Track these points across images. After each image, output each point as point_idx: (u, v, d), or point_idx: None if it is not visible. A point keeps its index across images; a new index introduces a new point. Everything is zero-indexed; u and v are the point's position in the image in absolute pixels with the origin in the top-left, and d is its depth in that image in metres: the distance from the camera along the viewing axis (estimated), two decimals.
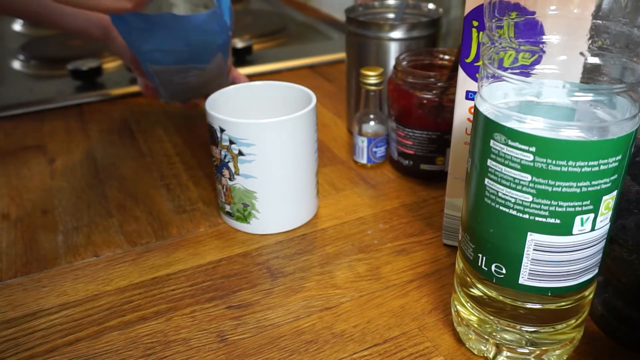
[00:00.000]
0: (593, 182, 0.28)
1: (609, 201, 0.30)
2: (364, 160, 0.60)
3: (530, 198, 0.29)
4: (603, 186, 0.29)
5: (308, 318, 0.41)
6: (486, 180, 0.31)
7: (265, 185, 0.47)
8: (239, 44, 0.93)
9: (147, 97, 0.79)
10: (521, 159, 0.29)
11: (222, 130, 0.46)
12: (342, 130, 0.70)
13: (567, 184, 0.28)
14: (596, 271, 0.32)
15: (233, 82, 0.71)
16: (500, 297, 0.33)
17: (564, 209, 0.29)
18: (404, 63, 0.56)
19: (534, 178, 0.29)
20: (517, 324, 0.33)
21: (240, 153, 0.46)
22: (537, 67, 0.29)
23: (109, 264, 0.47)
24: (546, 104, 0.30)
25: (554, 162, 0.28)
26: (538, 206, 0.29)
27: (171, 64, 0.59)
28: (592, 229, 0.30)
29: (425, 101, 0.53)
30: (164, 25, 0.55)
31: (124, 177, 0.60)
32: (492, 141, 0.30)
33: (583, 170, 0.28)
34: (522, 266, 0.31)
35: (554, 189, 0.29)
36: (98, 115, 0.75)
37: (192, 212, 0.54)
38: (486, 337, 0.35)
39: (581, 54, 0.28)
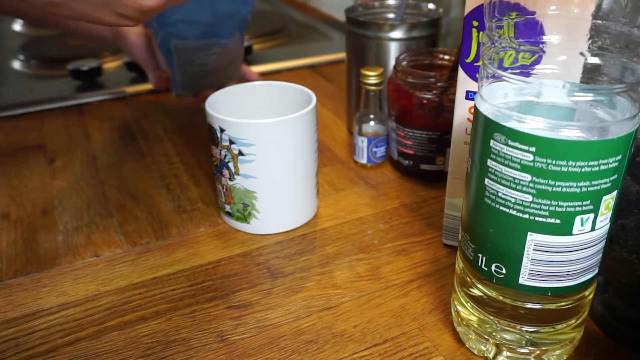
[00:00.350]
0: (593, 182, 0.28)
1: (609, 201, 0.30)
2: (364, 160, 0.60)
3: (530, 198, 0.29)
4: (603, 186, 0.29)
5: (308, 318, 0.41)
6: (486, 180, 0.31)
7: (265, 185, 0.47)
8: None
9: (157, 91, 0.79)
10: (521, 159, 0.29)
11: (222, 130, 0.46)
12: (342, 130, 0.70)
13: (567, 184, 0.28)
14: (596, 271, 0.32)
15: (244, 77, 0.72)
16: (500, 297, 0.33)
17: (564, 209, 0.29)
18: (404, 63, 0.56)
19: (534, 178, 0.29)
20: (517, 324, 0.33)
21: (240, 153, 0.46)
22: (537, 67, 0.29)
23: (109, 264, 0.47)
24: (546, 104, 0.30)
25: (554, 162, 0.28)
26: (538, 206, 0.29)
27: (194, 37, 0.61)
28: (592, 229, 0.30)
29: (425, 101, 0.53)
30: None
31: (124, 177, 0.60)
32: (492, 141, 0.30)
33: (583, 170, 0.28)
34: (522, 266, 0.31)
35: (554, 189, 0.29)
36: (98, 115, 0.75)
37: (192, 212, 0.54)
38: (486, 337, 0.35)
39: (581, 54, 0.28)
